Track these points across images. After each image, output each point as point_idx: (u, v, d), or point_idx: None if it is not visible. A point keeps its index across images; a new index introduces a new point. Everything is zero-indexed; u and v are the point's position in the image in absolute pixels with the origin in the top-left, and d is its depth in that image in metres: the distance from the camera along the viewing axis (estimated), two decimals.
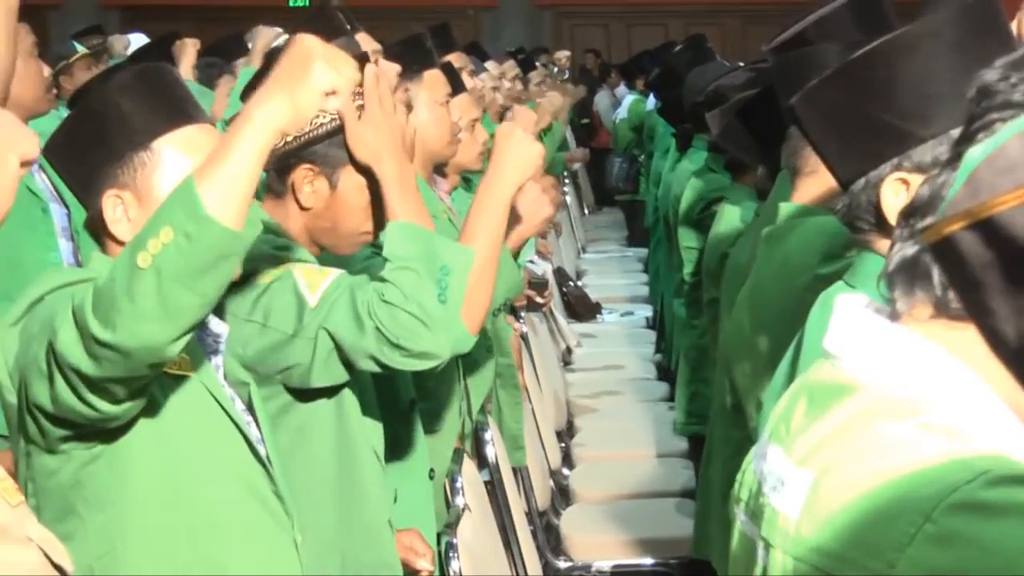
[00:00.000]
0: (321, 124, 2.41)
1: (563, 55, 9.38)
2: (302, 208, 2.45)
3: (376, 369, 2.24)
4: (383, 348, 2.18)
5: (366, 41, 3.35)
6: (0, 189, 1.07)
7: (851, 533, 1.10)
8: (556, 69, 9.07)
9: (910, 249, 1.14)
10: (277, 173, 2.44)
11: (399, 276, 2.18)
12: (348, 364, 2.26)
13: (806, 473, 1.16)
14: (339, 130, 2.42)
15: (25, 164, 1.08)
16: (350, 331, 2.21)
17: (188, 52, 4.97)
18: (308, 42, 1.82)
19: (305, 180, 2.43)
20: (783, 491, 1.17)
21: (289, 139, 2.40)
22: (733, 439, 2.81)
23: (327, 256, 2.52)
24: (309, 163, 2.43)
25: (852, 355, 1.18)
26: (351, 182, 2.44)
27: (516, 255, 3.02)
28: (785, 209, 2.49)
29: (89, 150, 2.01)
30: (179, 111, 2.04)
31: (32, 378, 1.83)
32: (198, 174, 1.71)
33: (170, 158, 1.99)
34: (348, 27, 3.07)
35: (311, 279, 2.29)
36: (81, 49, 6.06)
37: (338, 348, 2.24)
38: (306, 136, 2.42)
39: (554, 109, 6.78)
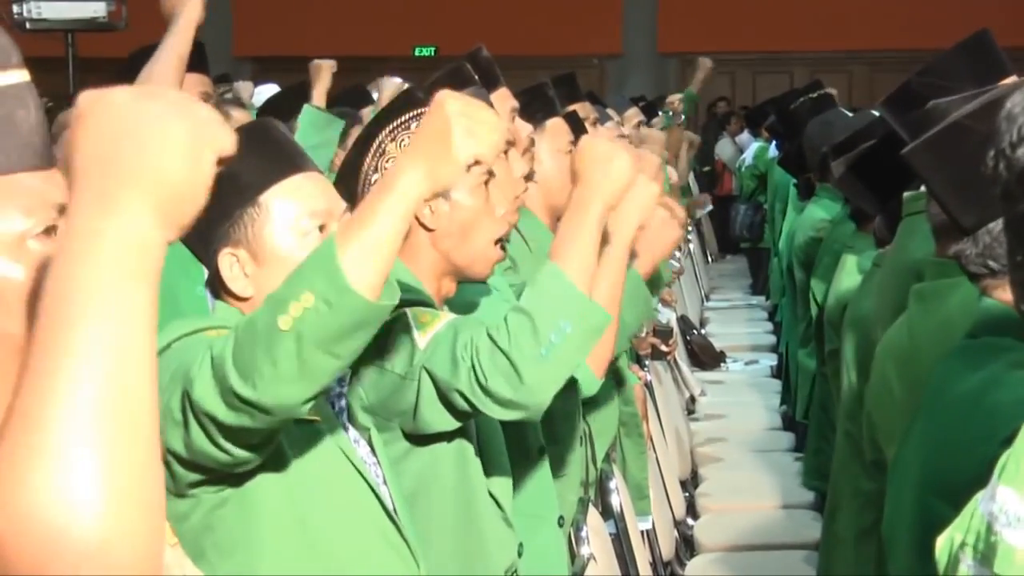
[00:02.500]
0: None
1: (676, 98, 9.21)
2: (428, 229, 2.46)
3: (467, 409, 2.21)
4: (474, 388, 2.15)
5: (505, 98, 3.29)
6: (197, 186, 1.07)
7: None
8: (671, 113, 8.96)
9: None
10: None
11: (513, 319, 2.14)
12: (451, 406, 2.24)
13: None
14: None
15: (221, 162, 1.09)
16: (444, 369, 2.19)
17: (324, 76, 4.72)
18: (449, 105, 1.78)
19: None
20: (1020, 527, 1.18)
21: None
22: (862, 491, 2.75)
23: (463, 297, 2.52)
24: None
25: None
26: (461, 185, 2.43)
27: (650, 285, 2.99)
28: (936, 266, 2.36)
29: (202, 211, 2.04)
30: (285, 162, 2.05)
31: (165, 426, 1.86)
32: (340, 239, 1.69)
33: (278, 208, 2.01)
34: (476, 78, 3.08)
35: (423, 320, 2.29)
36: None
37: (437, 388, 2.23)
38: None
39: (659, 150, 6.73)
